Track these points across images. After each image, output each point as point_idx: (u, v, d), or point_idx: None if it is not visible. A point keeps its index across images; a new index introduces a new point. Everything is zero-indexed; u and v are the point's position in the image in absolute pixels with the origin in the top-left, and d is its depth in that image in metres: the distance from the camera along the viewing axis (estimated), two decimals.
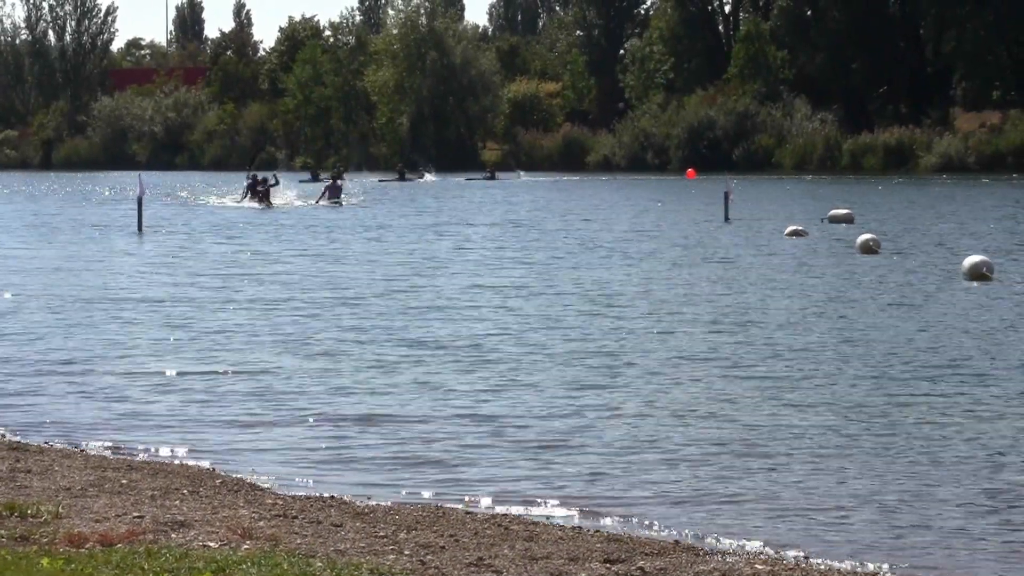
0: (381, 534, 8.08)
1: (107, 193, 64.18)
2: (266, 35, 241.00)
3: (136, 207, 37.12)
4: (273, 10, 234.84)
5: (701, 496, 9.43)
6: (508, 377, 13.82)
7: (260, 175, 53.68)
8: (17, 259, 28.26)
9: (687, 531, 8.58)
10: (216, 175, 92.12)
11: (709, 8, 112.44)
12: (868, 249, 28.42)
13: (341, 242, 32.67)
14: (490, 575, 7.25)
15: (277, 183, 51.86)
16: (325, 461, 10.50)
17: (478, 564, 7.43)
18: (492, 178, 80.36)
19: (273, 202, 50.57)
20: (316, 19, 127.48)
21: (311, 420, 11.90)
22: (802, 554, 8.10)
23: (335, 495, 9.36)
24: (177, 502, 8.78)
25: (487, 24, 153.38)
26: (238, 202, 51.96)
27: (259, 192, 51.18)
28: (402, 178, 77.90)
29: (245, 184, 52.70)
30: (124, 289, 22.15)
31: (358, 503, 9.11)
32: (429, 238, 33.92)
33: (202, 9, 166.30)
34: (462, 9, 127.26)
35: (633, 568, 7.43)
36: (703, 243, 31.69)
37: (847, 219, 38.21)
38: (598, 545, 7.98)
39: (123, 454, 10.63)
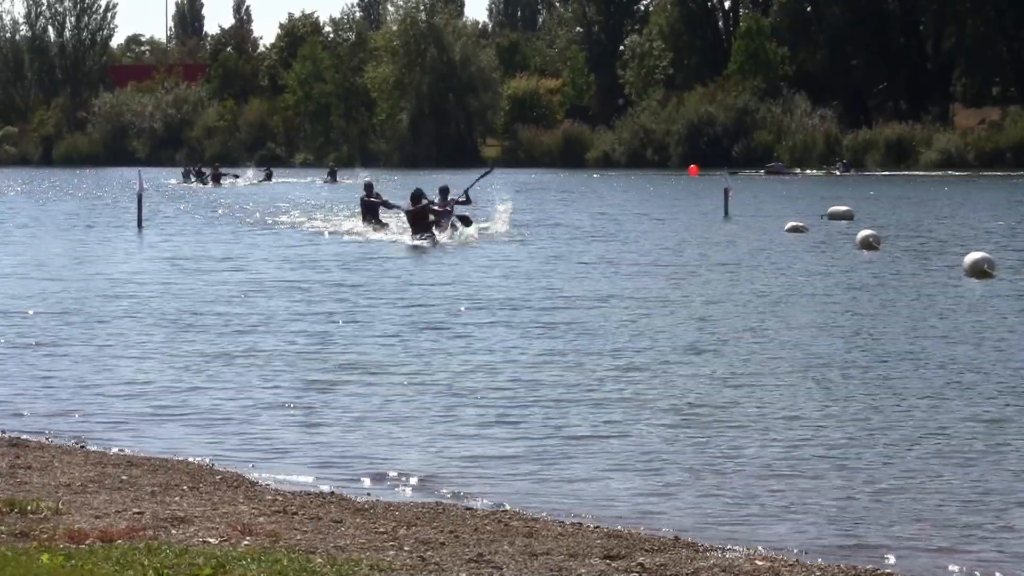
0: (381, 530, 8.08)
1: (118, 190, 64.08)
2: (266, 31, 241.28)
3: (136, 203, 37.20)
4: (273, 6, 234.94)
5: (701, 492, 9.42)
6: (507, 376, 13.81)
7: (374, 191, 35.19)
8: (18, 255, 28.24)
9: (687, 527, 8.57)
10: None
11: (709, 4, 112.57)
12: (868, 245, 28.42)
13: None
14: (490, 571, 7.25)
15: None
16: (325, 457, 10.49)
17: (478, 560, 7.42)
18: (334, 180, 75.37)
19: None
20: (316, 15, 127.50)
21: (311, 415, 11.89)
22: (802, 550, 8.09)
23: (335, 491, 9.35)
24: (177, 498, 8.77)
25: (487, 20, 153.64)
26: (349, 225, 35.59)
27: (374, 210, 34.75)
28: (202, 180, 72.23)
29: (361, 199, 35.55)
30: (124, 285, 22.13)
31: (358, 499, 9.11)
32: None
33: (202, 5, 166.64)
34: (461, 5, 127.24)
35: (633, 564, 7.42)
36: (702, 240, 31.68)
37: (847, 216, 38.29)
38: (598, 541, 7.97)
39: (123, 450, 10.62)
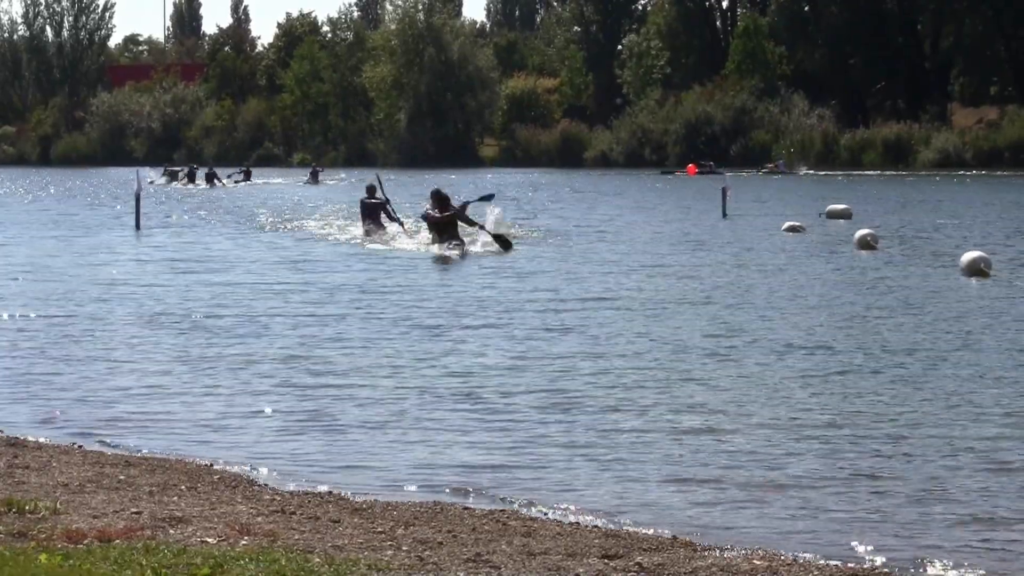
0: (379, 530, 8.08)
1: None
2: (264, 31, 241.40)
3: (135, 203, 37.21)
4: (271, 6, 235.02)
5: (699, 492, 9.42)
6: (506, 377, 13.82)
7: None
8: (16, 256, 28.22)
9: (685, 527, 8.57)
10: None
11: (707, 3, 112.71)
12: (866, 245, 28.43)
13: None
14: (488, 570, 7.25)
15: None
16: (323, 456, 10.49)
17: (476, 560, 7.42)
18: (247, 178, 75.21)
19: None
20: (314, 15, 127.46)
21: (309, 416, 11.89)
22: (800, 550, 8.09)
23: (333, 491, 9.35)
24: (175, 498, 8.77)
25: (485, 20, 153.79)
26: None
27: (375, 214, 32.40)
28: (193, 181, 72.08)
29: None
30: (122, 286, 22.13)
31: (356, 499, 9.11)
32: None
33: (200, 5, 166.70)
34: (459, 5, 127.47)
35: (631, 563, 7.42)
36: (701, 239, 31.69)
37: (845, 215, 38.30)
38: (596, 541, 7.97)
39: (121, 450, 10.61)
